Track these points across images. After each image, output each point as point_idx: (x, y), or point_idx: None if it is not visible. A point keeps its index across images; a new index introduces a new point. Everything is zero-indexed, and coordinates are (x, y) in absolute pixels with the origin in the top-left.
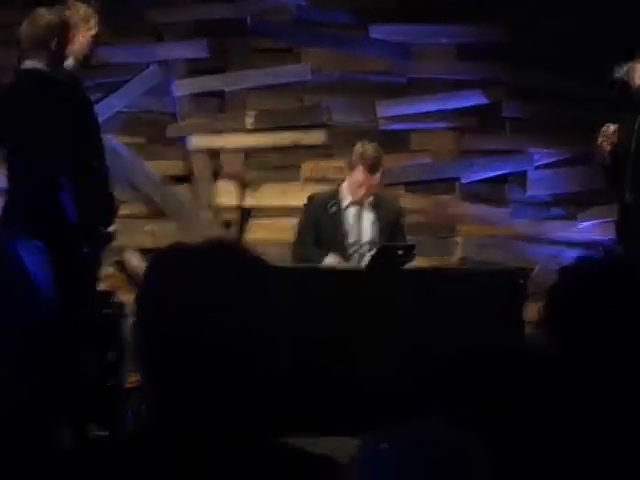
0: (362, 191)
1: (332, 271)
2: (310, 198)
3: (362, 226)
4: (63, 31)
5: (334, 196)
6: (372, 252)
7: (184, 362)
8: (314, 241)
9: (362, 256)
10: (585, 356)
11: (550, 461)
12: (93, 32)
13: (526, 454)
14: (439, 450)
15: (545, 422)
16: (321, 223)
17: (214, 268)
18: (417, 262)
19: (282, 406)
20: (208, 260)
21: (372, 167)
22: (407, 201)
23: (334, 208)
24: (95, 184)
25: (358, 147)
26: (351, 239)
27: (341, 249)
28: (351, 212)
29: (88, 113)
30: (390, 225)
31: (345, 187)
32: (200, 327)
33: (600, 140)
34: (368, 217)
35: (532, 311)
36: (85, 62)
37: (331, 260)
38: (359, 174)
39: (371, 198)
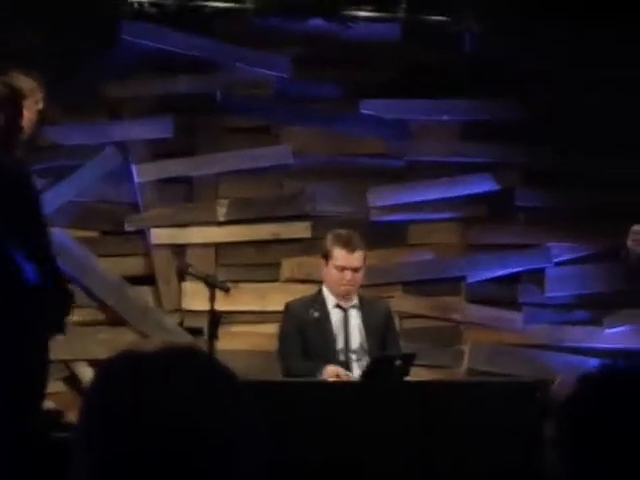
0: (345, 280)
1: (322, 386)
2: (287, 306)
3: (349, 330)
4: (15, 104)
5: (315, 299)
6: (366, 363)
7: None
8: (302, 351)
9: (350, 366)
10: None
11: None
12: (40, 107)
13: None
14: None
15: None
16: (305, 331)
17: (173, 379)
18: (417, 374)
19: None
20: (166, 370)
21: (349, 243)
22: (405, 303)
23: (317, 313)
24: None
25: (329, 235)
26: (339, 345)
27: (330, 357)
28: (336, 315)
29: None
30: (379, 330)
31: (325, 287)
32: (154, 448)
33: (630, 242)
34: (355, 320)
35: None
36: (30, 143)
37: (332, 370)
38: (337, 258)
39: (356, 299)
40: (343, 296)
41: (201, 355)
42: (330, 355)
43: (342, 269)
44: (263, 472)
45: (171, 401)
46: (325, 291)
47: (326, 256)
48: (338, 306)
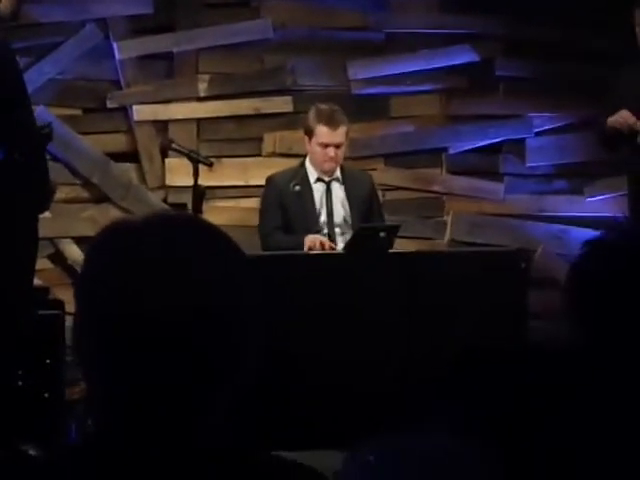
0: (329, 157)
1: (305, 258)
2: (269, 180)
3: (333, 204)
4: None
5: (297, 173)
6: (349, 233)
7: (135, 356)
8: (282, 226)
9: (334, 239)
10: (619, 356)
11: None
12: None
13: (538, 471)
14: (436, 462)
15: (563, 438)
16: (286, 205)
17: (171, 241)
18: (400, 245)
19: (256, 415)
20: (164, 233)
21: (332, 120)
22: (387, 176)
23: (298, 187)
24: (26, 162)
25: (311, 110)
26: (322, 219)
27: (313, 232)
28: (318, 189)
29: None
30: (363, 202)
31: (308, 162)
32: (153, 311)
33: (614, 120)
34: (338, 194)
35: (536, 300)
36: (9, 20)
37: (313, 238)
38: (320, 135)
39: (338, 172)
40: (326, 171)
41: (197, 219)
42: (312, 229)
43: (325, 146)
44: (261, 345)
45: (174, 265)
46: (308, 164)
47: (309, 133)
48: (320, 179)
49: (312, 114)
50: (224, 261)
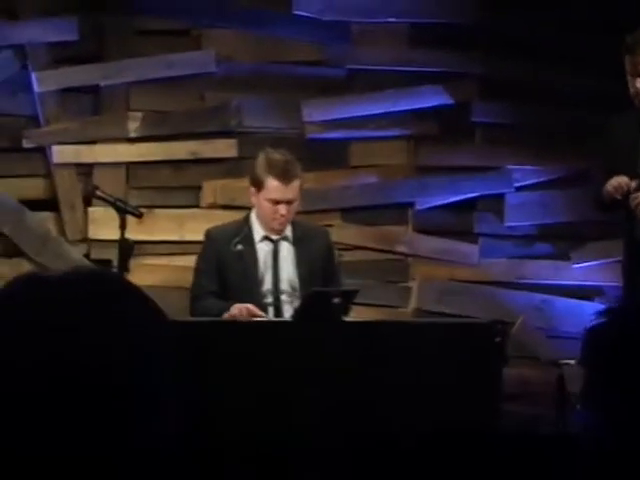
0: (279, 215)
1: (246, 326)
2: (207, 235)
3: (279, 267)
4: None
5: (240, 228)
6: (299, 301)
7: (42, 440)
8: (218, 290)
9: (280, 309)
10: None
11: None
12: None
13: None
14: None
15: None
16: (225, 267)
17: (84, 306)
18: (357, 313)
19: None
20: (76, 295)
21: (285, 174)
22: (346, 233)
23: (240, 245)
24: None
25: (260, 157)
26: (265, 286)
27: (252, 299)
28: (264, 249)
29: None
30: (317, 263)
31: (254, 216)
32: (57, 386)
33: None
34: (286, 255)
35: (513, 379)
36: None
37: (240, 307)
38: (270, 189)
39: (289, 229)
40: (275, 231)
41: (118, 280)
42: (253, 296)
43: (275, 202)
44: (178, 421)
45: (81, 333)
46: (253, 219)
47: (256, 184)
48: (267, 238)
49: (261, 163)
50: (143, 329)
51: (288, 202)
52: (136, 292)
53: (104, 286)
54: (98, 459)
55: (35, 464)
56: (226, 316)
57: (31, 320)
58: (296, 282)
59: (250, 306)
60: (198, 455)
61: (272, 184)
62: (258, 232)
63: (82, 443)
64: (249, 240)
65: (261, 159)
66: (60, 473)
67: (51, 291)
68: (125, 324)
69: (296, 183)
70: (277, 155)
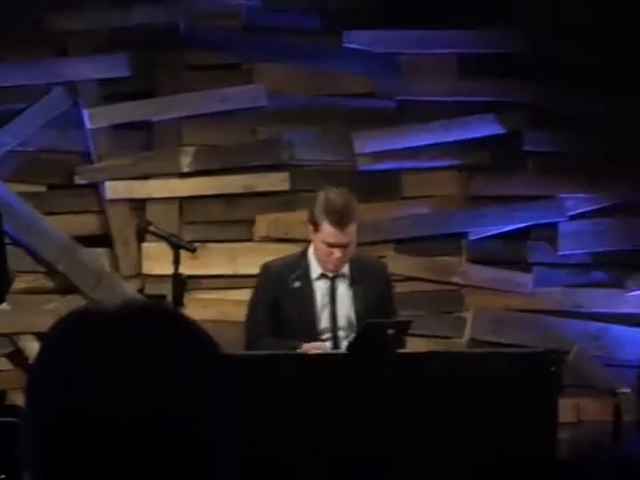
0: (334, 257)
1: (301, 359)
2: (265, 269)
3: (337, 306)
4: None
5: (298, 264)
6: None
7: (89, 466)
8: (272, 327)
9: (338, 345)
10: None
11: None
12: None
13: None
14: None
15: None
16: (282, 303)
17: (140, 334)
18: (414, 344)
19: None
20: (134, 331)
21: (341, 220)
22: (398, 264)
23: (298, 282)
24: None
25: (319, 197)
26: (323, 323)
27: (309, 336)
28: (321, 287)
29: None
30: (374, 297)
31: (311, 252)
32: (117, 430)
33: None
34: (344, 293)
35: (568, 408)
36: None
37: (310, 346)
38: (325, 233)
39: (346, 266)
40: (330, 271)
41: (177, 315)
42: (309, 334)
43: (331, 245)
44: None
45: (139, 372)
46: (310, 255)
47: (314, 224)
48: (324, 275)
49: (319, 204)
50: (198, 364)
51: (343, 246)
52: (192, 325)
53: (159, 319)
54: None
55: None
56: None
57: (86, 354)
58: (353, 318)
59: (322, 345)
60: None
61: (328, 228)
62: (315, 269)
63: None
64: (306, 277)
65: (320, 199)
66: None
67: (106, 326)
68: (183, 358)
69: (352, 227)
70: (336, 198)
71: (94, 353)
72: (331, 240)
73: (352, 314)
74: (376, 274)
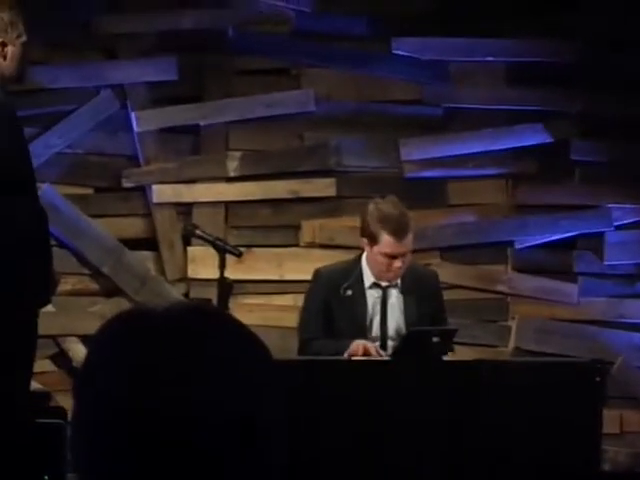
0: (394, 267)
1: (344, 364)
2: (317, 275)
3: (387, 315)
4: None
5: (351, 272)
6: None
7: (141, 465)
8: (325, 331)
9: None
10: None
11: None
12: (24, 39)
13: None
14: None
15: None
16: (333, 309)
17: (189, 333)
18: (458, 352)
19: None
20: (185, 332)
21: (400, 230)
22: (443, 272)
23: (350, 290)
24: (27, 247)
25: (372, 209)
26: (373, 332)
27: None
28: (373, 295)
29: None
30: (426, 309)
31: (364, 261)
32: (167, 432)
33: None
34: (396, 302)
35: (613, 419)
36: (14, 82)
37: (359, 344)
38: (385, 245)
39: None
40: (389, 281)
41: (229, 318)
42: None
43: (391, 257)
44: (284, 463)
45: (188, 371)
46: (364, 263)
47: (369, 237)
48: (376, 284)
49: (374, 216)
50: (250, 365)
51: (403, 255)
52: (241, 326)
53: (207, 319)
54: None
55: None
56: (346, 354)
57: (135, 353)
58: (403, 328)
59: (368, 343)
60: None
61: (387, 240)
62: (368, 278)
63: None
64: (359, 286)
65: (373, 211)
66: None
67: (155, 325)
68: (232, 360)
69: (410, 237)
70: (391, 208)
71: (143, 352)
72: (391, 251)
73: (402, 324)
74: (428, 284)
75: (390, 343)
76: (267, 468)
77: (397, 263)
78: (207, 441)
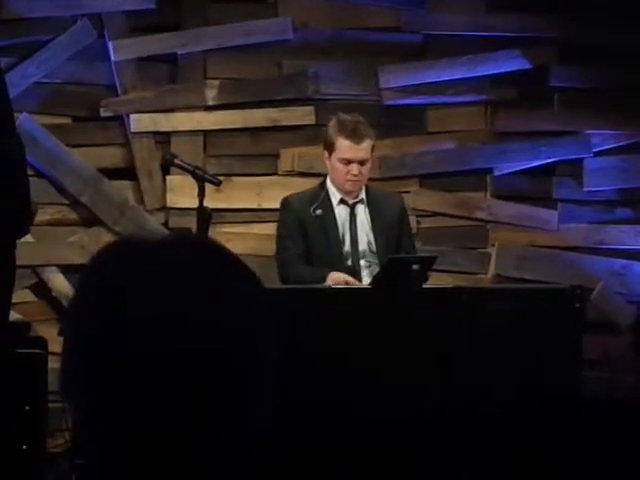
0: (351, 175)
1: (328, 292)
2: (285, 203)
3: (357, 231)
4: None
5: (317, 194)
6: (377, 267)
7: (141, 398)
8: (304, 253)
9: (359, 273)
10: None
11: None
12: None
13: None
14: None
15: None
16: (307, 232)
17: (188, 263)
18: (436, 279)
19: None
20: (179, 258)
21: (355, 133)
22: (423, 200)
23: (319, 210)
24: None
25: (332, 121)
26: (345, 248)
27: (336, 262)
28: (341, 213)
29: None
30: (391, 228)
31: (329, 181)
32: (158, 353)
33: None
34: (362, 218)
35: (593, 345)
36: None
37: (338, 276)
38: (341, 149)
39: (363, 193)
40: (349, 192)
41: (220, 247)
42: (336, 259)
43: (347, 162)
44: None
45: (183, 300)
46: (329, 184)
47: (328, 147)
48: (343, 201)
49: (333, 125)
50: (245, 296)
51: (360, 162)
52: (235, 259)
53: (200, 248)
54: (201, 442)
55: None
56: (327, 283)
57: (129, 281)
58: (373, 246)
59: (347, 277)
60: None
61: (343, 144)
62: (335, 196)
63: (180, 426)
64: (327, 204)
65: (332, 122)
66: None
67: (148, 254)
68: (230, 291)
69: (367, 143)
70: (347, 117)
71: (137, 279)
72: (347, 155)
73: (371, 239)
74: (393, 205)
75: (362, 263)
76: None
77: (354, 169)
78: (205, 372)
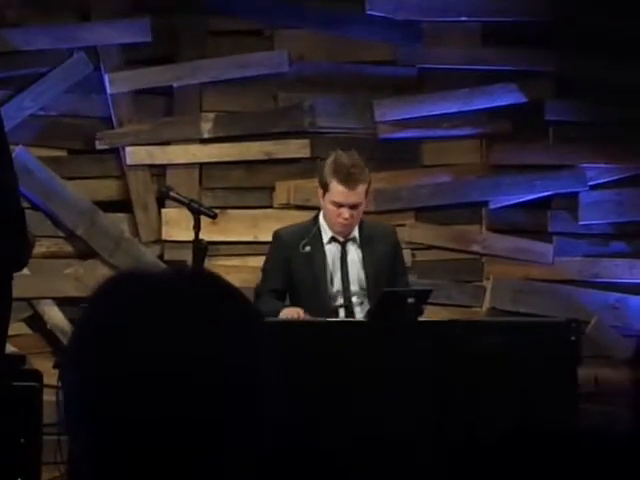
0: (342, 218)
1: (322, 326)
2: (275, 236)
3: (348, 270)
4: None
5: (309, 230)
6: (369, 302)
7: (142, 434)
8: (281, 288)
9: (352, 310)
10: None
11: None
12: None
13: None
14: None
15: None
16: (293, 268)
17: (188, 297)
18: (432, 313)
19: None
20: (179, 287)
21: (349, 178)
22: (418, 233)
23: (308, 247)
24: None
25: (329, 160)
26: (335, 287)
27: (322, 301)
28: (331, 251)
29: None
30: (384, 262)
31: (322, 217)
32: (165, 378)
33: None
34: (354, 257)
35: (587, 379)
36: None
37: (290, 311)
38: (334, 193)
39: (356, 231)
40: (339, 233)
41: (219, 280)
42: (322, 297)
43: (339, 205)
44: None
45: (187, 332)
46: (321, 221)
47: (323, 186)
48: (334, 239)
49: (328, 165)
50: (245, 330)
51: (352, 206)
52: (235, 291)
53: (200, 281)
54: (200, 455)
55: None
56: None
57: (128, 324)
58: (364, 283)
59: (300, 311)
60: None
61: (337, 188)
62: (326, 233)
63: (182, 440)
64: (317, 241)
65: (329, 161)
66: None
67: (150, 286)
68: (230, 324)
69: (361, 188)
70: (345, 159)
71: (136, 314)
72: (339, 200)
73: (363, 277)
74: (385, 237)
75: (354, 299)
76: (267, 425)
77: (345, 213)
78: (208, 399)
